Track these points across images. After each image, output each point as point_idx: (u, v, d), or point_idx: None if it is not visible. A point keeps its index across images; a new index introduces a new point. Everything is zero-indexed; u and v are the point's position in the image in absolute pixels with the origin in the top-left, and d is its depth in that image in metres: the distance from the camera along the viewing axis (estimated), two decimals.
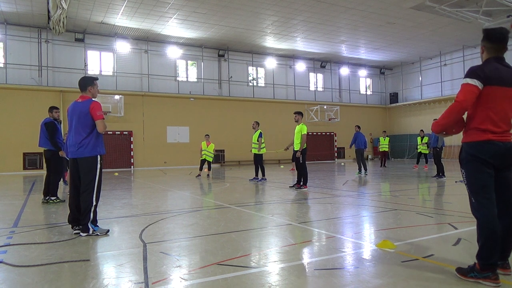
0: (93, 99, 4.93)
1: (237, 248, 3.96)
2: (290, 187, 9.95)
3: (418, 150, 17.85)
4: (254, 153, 12.28)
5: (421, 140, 17.50)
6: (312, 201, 7.57)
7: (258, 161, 12.26)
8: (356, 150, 14.39)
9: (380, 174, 14.54)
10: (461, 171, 3.08)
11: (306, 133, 9.43)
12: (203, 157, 14.58)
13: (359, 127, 14.96)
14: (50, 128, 7.62)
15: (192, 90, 24.82)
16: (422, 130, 18.08)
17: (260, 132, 12.23)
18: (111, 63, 22.90)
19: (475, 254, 2.93)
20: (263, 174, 12.27)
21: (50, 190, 7.77)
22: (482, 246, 2.86)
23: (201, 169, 14.67)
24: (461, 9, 18.80)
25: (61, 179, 9.51)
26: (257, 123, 12.49)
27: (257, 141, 12.11)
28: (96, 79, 5.13)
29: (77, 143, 4.77)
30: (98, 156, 4.84)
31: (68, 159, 7.63)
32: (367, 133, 29.77)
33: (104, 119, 4.85)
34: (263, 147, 12.27)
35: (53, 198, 7.76)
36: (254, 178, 12.38)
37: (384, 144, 19.32)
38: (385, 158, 19.71)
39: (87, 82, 4.97)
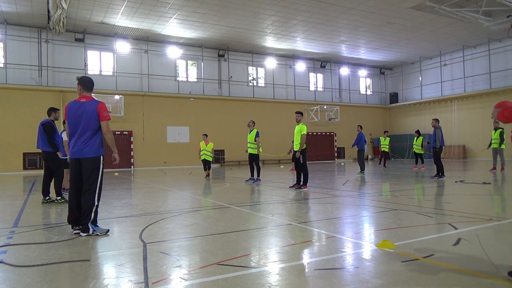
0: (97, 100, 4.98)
1: (237, 248, 3.95)
2: (290, 187, 9.96)
3: (413, 150, 17.99)
4: (251, 153, 11.81)
5: (416, 140, 17.64)
6: (312, 201, 7.57)
7: (255, 161, 11.89)
8: (358, 150, 14.41)
9: (380, 174, 14.53)
10: None
11: (306, 133, 9.43)
12: (203, 157, 14.48)
13: (361, 127, 14.96)
14: (48, 129, 7.61)
15: (192, 90, 24.83)
16: (416, 131, 18.17)
17: (257, 131, 11.78)
18: (111, 63, 22.90)
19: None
20: (258, 175, 11.92)
21: (55, 190, 7.78)
22: None
23: (205, 168, 14.53)
24: (461, 9, 18.80)
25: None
26: (253, 122, 12.01)
27: (255, 140, 11.66)
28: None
29: (82, 143, 4.76)
30: (101, 157, 4.87)
31: (63, 158, 7.65)
32: (367, 133, 29.79)
33: (110, 119, 4.92)
34: (260, 146, 11.92)
35: (58, 198, 7.78)
36: (250, 178, 12.08)
37: (384, 144, 19.42)
38: (385, 158, 19.76)
39: (91, 86, 5.05)
